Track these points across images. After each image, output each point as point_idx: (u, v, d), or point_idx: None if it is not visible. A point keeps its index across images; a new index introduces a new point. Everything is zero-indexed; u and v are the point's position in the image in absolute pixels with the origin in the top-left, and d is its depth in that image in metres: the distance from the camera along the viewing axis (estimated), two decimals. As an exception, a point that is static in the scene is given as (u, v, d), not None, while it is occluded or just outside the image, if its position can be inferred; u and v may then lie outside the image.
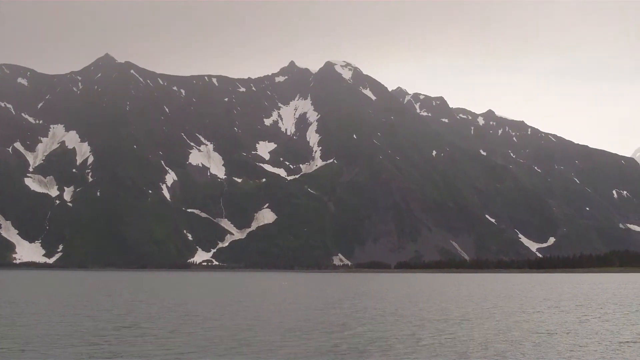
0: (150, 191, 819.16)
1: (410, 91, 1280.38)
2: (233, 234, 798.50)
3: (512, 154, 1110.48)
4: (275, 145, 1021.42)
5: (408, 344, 51.25)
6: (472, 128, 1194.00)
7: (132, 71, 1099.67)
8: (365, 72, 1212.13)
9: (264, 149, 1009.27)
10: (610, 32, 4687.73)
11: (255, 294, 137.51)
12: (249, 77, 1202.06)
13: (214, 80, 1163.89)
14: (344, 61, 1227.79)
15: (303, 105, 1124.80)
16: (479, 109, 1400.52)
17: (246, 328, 64.25)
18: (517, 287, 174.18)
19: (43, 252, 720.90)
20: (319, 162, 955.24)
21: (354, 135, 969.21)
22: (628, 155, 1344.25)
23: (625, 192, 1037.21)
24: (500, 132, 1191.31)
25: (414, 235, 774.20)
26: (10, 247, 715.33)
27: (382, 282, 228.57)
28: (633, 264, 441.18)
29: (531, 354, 45.18)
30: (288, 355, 46.53)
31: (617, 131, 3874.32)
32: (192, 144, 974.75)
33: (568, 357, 44.06)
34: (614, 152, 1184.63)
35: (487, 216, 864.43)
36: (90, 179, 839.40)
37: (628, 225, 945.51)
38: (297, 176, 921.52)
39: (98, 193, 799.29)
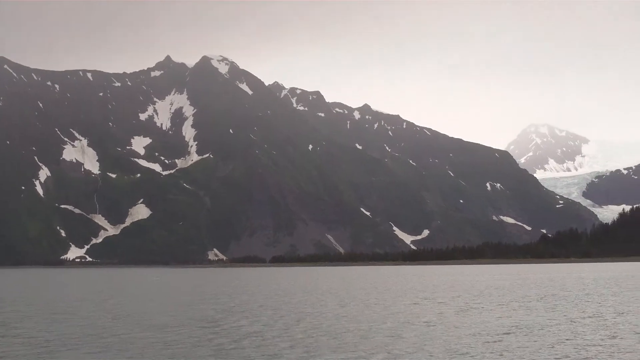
0: (23, 187, 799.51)
1: (287, 86, 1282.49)
2: (107, 230, 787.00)
3: (387, 148, 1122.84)
4: (151, 140, 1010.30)
5: (283, 337, 50.33)
6: (348, 122, 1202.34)
7: (5, 66, 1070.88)
8: (242, 67, 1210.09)
9: (139, 144, 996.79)
10: (482, 31, 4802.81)
11: (122, 290, 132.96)
12: (124, 72, 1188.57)
13: (89, 75, 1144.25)
14: (221, 56, 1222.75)
15: (179, 100, 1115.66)
16: (355, 103, 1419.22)
17: (106, 324, 60.74)
18: (393, 279, 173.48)
19: None
20: (194, 157, 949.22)
21: (230, 130, 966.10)
22: (502, 148, 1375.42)
23: (498, 185, 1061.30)
24: (376, 126, 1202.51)
25: (289, 229, 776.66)
26: None
27: (256, 277, 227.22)
28: (505, 256, 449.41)
29: (408, 345, 45.15)
30: (146, 351, 44.23)
31: (491, 125, 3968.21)
32: (66, 139, 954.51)
33: (446, 348, 44.07)
34: (488, 145, 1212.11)
35: (362, 209, 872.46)
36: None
37: (501, 217, 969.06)
38: (172, 171, 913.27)
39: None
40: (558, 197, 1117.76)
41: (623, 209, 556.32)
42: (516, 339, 47.36)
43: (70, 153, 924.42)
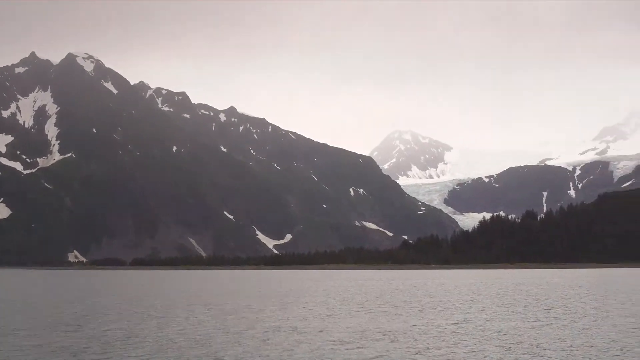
0: None
1: (153, 86, 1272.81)
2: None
3: (252, 151, 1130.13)
4: (12, 138, 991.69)
5: (143, 340, 51.46)
6: (214, 124, 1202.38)
7: None
8: (107, 65, 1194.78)
9: (0, 142, 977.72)
10: (348, 37, 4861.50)
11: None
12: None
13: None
14: (86, 53, 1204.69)
15: (43, 98, 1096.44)
16: (221, 105, 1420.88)
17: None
18: (255, 284, 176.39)
19: None
20: (56, 156, 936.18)
21: (94, 129, 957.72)
22: (366, 154, 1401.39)
23: (362, 190, 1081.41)
24: (241, 128, 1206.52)
25: (151, 231, 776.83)
26: None
27: (115, 280, 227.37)
28: (367, 261, 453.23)
29: (274, 349, 46.19)
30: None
31: (356, 130, 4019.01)
32: None
33: (310, 353, 44.78)
34: (352, 150, 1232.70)
35: (225, 213, 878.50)
36: None
37: (363, 222, 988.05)
38: (33, 170, 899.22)
39: None
40: (420, 203, 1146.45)
41: (483, 217, 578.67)
42: (381, 344, 48.63)
43: None
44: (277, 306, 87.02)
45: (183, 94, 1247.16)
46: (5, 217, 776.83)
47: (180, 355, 44.32)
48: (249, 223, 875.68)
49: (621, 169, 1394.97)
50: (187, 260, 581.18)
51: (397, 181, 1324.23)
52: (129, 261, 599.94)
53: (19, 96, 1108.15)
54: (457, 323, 63.75)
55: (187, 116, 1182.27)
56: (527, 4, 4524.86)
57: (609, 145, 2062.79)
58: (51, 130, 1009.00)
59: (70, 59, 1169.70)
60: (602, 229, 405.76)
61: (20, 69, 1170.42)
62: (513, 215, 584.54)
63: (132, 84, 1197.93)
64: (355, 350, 46.04)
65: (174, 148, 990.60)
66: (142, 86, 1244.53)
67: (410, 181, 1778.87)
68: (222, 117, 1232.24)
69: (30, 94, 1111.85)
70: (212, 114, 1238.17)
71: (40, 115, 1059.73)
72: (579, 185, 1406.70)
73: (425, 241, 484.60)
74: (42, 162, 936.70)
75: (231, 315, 74.04)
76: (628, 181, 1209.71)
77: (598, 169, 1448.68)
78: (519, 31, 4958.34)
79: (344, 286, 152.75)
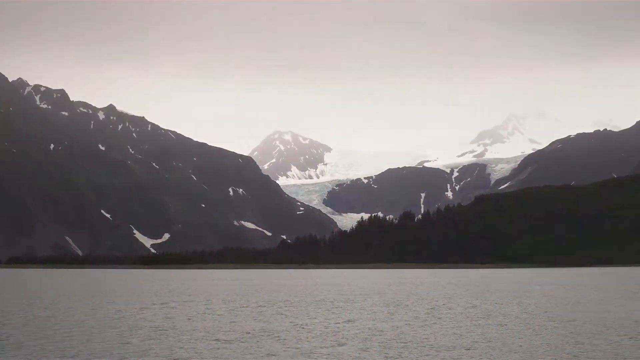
0: None
1: (32, 82, 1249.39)
2: None
3: (131, 150, 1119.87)
4: None
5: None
6: (92, 122, 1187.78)
7: None
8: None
9: None
10: (229, 38, 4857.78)
11: None
12: None
13: None
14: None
15: None
16: (100, 103, 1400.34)
17: None
18: (128, 283, 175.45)
19: None
20: None
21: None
22: (246, 154, 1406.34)
23: (241, 190, 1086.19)
24: (120, 127, 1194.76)
25: (27, 230, 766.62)
26: None
27: None
28: (245, 260, 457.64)
29: (134, 350, 46.49)
30: None
31: (236, 130, 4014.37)
32: None
33: (170, 353, 45.38)
34: (232, 150, 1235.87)
35: (102, 212, 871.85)
36: None
37: (242, 222, 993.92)
38: None
39: None
40: (299, 203, 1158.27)
41: (362, 217, 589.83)
42: (246, 345, 49.43)
43: None
44: (155, 306, 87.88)
45: (62, 91, 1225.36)
46: None
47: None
48: (126, 222, 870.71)
49: (498, 171, 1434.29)
50: (64, 259, 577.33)
51: (277, 181, 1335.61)
52: (4, 260, 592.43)
53: None
54: (340, 322, 65.90)
55: (66, 114, 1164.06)
56: (410, 7, 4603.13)
57: (487, 148, 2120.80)
58: None
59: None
60: (478, 230, 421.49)
61: None
62: (391, 216, 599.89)
63: (10, 80, 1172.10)
64: (241, 350, 47.15)
65: (52, 146, 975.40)
66: (20, 83, 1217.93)
67: (290, 181, 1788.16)
68: (101, 115, 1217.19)
69: None
70: (90, 111, 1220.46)
71: None
72: (457, 187, 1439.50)
73: (304, 241, 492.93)
74: None
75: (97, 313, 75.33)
76: (504, 184, 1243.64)
77: (475, 171, 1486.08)
78: (400, 33, 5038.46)
79: (222, 286, 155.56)
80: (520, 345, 49.92)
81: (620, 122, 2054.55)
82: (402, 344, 50.40)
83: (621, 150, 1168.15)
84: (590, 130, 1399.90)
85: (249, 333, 56.90)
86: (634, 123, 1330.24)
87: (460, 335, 56.30)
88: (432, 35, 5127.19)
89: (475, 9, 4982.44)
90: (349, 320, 67.90)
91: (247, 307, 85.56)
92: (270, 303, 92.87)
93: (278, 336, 54.62)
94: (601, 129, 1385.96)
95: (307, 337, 53.74)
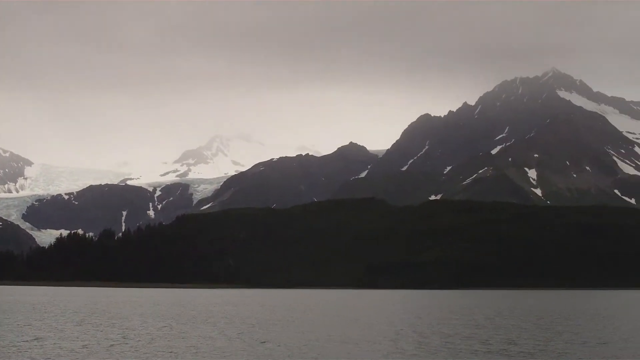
0: None
1: None
2: None
3: None
4: None
5: None
6: None
7: None
8: None
9: None
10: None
11: None
12: None
13: None
14: None
15: None
16: None
17: None
18: None
19: None
20: None
21: None
22: None
23: None
24: None
25: None
26: None
27: None
28: None
29: None
30: None
31: None
32: None
33: None
34: None
35: None
36: None
37: None
38: None
39: None
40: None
41: (61, 234, 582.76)
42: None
43: None
44: None
45: None
46: None
47: None
48: None
49: (201, 191, 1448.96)
50: None
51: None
52: None
53: None
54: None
55: None
56: (112, 24, 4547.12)
57: (190, 168, 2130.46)
58: None
59: None
60: (180, 250, 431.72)
61: None
62: (91, 233, 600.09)
63: None
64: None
65: None
66: None
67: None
68: None
69: None
70: None
71: None
72: (159, 206, 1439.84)
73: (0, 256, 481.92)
74: None
75: None
76: (207, 204, 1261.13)
77: (178, 190, 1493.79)
78: (102, 51, 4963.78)
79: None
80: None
81: (321, 148, 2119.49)
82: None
83: (321, 174, 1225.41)
84: (293, 154, 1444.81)
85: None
86: (335, 149, 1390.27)
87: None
88: (134, 54, 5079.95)
89: (183, 31, 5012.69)
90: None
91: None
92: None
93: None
94: (303, 154, 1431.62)
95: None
